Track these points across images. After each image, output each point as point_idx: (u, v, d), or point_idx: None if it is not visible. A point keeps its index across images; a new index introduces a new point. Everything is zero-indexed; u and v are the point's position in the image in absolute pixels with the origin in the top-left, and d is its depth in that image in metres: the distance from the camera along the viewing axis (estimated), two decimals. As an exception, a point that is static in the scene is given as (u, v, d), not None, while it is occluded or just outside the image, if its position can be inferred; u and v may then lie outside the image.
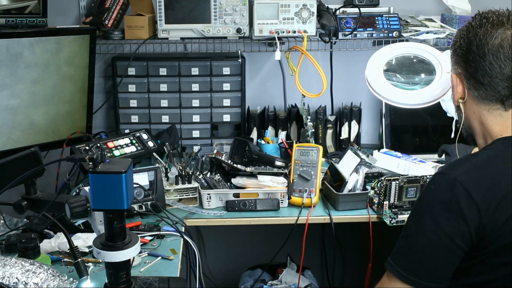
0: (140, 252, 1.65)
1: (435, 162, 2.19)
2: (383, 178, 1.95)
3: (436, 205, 1.22)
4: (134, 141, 2.26)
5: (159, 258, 1.65)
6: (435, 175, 1.29)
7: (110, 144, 2.21)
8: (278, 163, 2.06)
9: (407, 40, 2.30)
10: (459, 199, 1.19)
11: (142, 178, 1.88)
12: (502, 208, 1.19)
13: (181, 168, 2.04)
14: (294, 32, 2.26)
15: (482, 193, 1.18)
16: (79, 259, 1.45)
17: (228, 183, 2.06)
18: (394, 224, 1.87)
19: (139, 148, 2.25)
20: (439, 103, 2.11)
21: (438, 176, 1.27)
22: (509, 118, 1.31)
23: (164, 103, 2.50)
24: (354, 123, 2.54)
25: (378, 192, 1.95)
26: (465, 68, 1.32)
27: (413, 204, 1.87)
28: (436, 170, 1.34)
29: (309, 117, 2.44)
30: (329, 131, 2.57)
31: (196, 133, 2.54)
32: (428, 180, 1.30)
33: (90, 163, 1.17)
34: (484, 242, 1.20)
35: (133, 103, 2.50)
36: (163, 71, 2.47)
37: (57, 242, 1.66)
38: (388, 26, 2.33)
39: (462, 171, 1.22)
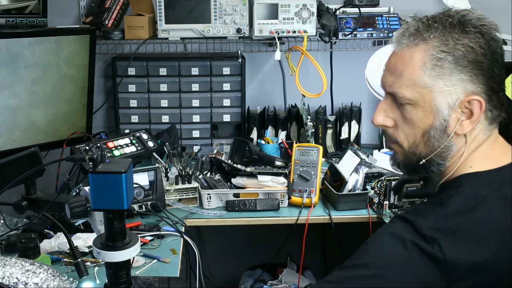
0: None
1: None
2: (383, 178, 1.95)
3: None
4: (134, 141, 2.26)
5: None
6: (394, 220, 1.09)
7: (110, 144, 2.21)
8: (278, 163, 2.06)
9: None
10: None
11: (142, 178, 1.88)
12: None
13: (181, 168, 2.04)
14: (294, 32, 2.26)
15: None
16: (79, 259, 1.46)
17: (228, 183, 2.06)
18: (394, 224, 1.86)
19: (139, 148, 2.25)
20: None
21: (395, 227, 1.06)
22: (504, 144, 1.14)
23: (164, 103, 2.50)
24: (354, 123, 2.54)
25: (378, 192, 1.95)
26: (486, 83, 1.07)
27: (412, 204, 1.87)
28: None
29: (309, 117, 2.44)
30: (329, 131, 2.57)
31: (196, 133, 2.54)
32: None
33: (90, 163, 1.17)
34: None
35: (133, 103, 2.50)
36: (163, 71, 2.47)
37: (57, 242, 1.66)
38: (388, 26, 2.33)
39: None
